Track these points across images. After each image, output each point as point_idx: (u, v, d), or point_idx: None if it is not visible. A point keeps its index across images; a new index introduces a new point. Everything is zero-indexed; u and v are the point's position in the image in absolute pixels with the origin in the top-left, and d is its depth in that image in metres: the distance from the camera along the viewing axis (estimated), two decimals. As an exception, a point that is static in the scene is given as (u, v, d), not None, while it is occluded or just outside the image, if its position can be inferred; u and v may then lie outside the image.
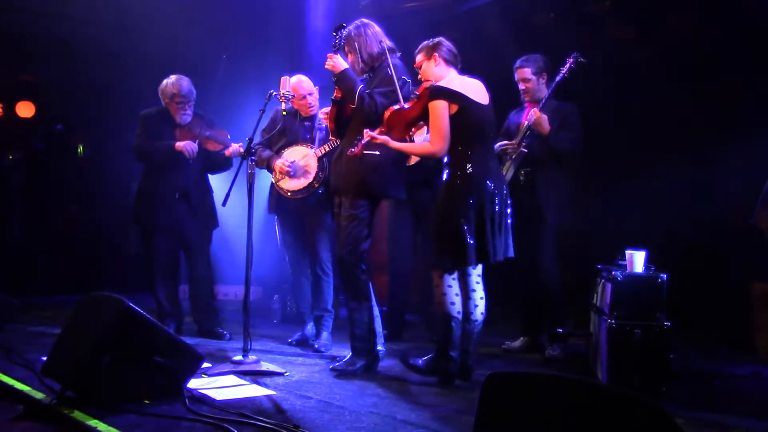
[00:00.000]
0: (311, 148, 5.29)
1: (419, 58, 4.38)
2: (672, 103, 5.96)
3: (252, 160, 4.77)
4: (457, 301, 4.27)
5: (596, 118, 5.68)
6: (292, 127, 5.41)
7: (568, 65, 4.92)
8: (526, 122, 4.96)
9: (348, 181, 4.48)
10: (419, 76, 4.43)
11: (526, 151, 4.96)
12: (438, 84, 4.20)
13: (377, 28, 4.55)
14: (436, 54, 4.30)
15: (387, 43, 4.53)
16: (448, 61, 4.31)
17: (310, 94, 5.32)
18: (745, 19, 5.59)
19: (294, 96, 5.17)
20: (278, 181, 5.32)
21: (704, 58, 5.80)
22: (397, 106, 4.30)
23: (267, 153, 5.38)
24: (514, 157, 4.98)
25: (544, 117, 4.93)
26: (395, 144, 4.25)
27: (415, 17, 6.97)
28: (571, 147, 4.98)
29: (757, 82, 5.43)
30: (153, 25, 7.33)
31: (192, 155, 5.39)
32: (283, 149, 5.36)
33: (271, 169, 5.35)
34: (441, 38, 4.38)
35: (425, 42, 4.39)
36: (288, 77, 5.01)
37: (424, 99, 4.21)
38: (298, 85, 5.30)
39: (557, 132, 4.97)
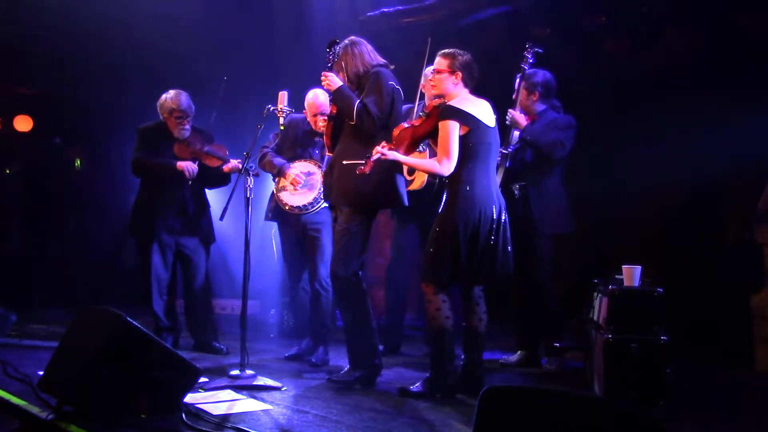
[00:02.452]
0: (319, 167, 5.26)
1: (441, 63, 4.27)
2: (668, 117, 5.99)
3: (251, 170, 4.76)
4: (452, 315, 4.27)
5: (592, 131, 5.71)
6: (303, 141, 5.40)
7: (529, 59, 4.97)
8: (507, 123, 5.01)
9: (339, 193, 4.47)
10: (430, 79, 4.40)
11: (506, 151, 4.97)
12: (450, 104, 4.17)
13: (366, 47, 4.53)
14: (460, 74, 4.24)
15: (377, 58, 4.53)
16: (466, 84, 4.28)
17: (325, 112, 5.24)
18: (741, 32, 5.63)
19: (292, 110, 5.17)
20: (279, 191, 5.31)
21: (700, 72, 5.83)
22: (407, 124, 4.31)
23: (279, 160, 5.33)
24: (499, 161, 4.99)
25: (519, 114, 5.00)
26: (404, 159, 4.24)
27: (413, 32, 7.00)
28: (547, 141, 4.97)
29: (752, 95, 5.45)
30: (152, 39, 7.35)
31: (192, 176, 5.40)
32: (292, 161, 5.35)
33: (280, 176, 5.30)
34: (468, 56, 4.29)
35: (456, 51, 4.28)
36: (285, 92, 5.02)
37: (434, 117, 4.21)
38: (314, 100, 5.26)
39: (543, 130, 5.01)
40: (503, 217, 4.28)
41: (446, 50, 4.33)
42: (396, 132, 4.30)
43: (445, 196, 4.28)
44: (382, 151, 4.17)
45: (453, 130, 4.11)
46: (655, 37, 6.17)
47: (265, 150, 5.38)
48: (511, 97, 5.13)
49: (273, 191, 5.41)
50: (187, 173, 5.38)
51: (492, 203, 4.21)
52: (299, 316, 5.60)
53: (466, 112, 4.14)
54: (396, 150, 4.23)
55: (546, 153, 4.99)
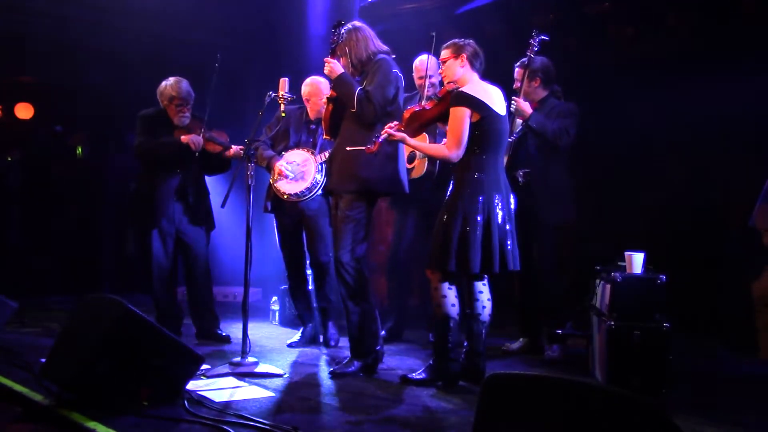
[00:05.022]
0: (313, 153, 5.27)
1: (445, 53, 4.30)
2: (671, 104, 5.96)
3: (252, 156, 4.75)
4: (457, 303, 4.26)
5: (595, 118, 5.69)
6: (297, 129, 5.39)
7: (534, 48, 4.95)
8: (512, 111, 4.99)
9: (341, 179, 4.46)
10: (440, 71, 4.41)
11: (510, 139, 4.95)
12: (463, 90, 4.15)
13: (368, 32, 4.52)
14: (465, 55, 4.25)
15: (379, 45, 4.51)
16: (473, 66, 4.27)
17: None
18: (745, 19, 5.59)
19: (293, 97, 5.15)
20: (276, 182, 5.31)
21: (703, 58, 5.79)
22: (417, 107, 4.30)
23: (269, 153, 5.35)
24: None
25: (524, 103, 4.98)
26: (412, 142, 4.24)
27: (413, 19, 6.97)
28: (552, 130, 4.96)
29: (756, 82, 5.43)
30: (153, 26, 7.32)
31: (198, 147, 5.35)
32: (285, 151, 5.35)
33: (270, 169, 5.33)
34: (471, 41, 4.32)
35: (456, 39, 4.32)
36: (287, 79, 4.99)
37: (446, 102, 4.20)
38: (314, 86, 5.26)
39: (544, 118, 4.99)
40: (512, 208, 4.26)
41: (446, 43, 4.35)
42: (406, 115, 4.29)
43: (452, 182, 4.25)
44: (390, 131, 4.16)
45: (464, 117, 4.10)
46: (658, 23, 6.12)
47: (257, 143, 5.37)
48: (511, 86, 5.11)
49: (270, 182, 5.41)
50: (193, 145, 5.32)
51: (500, 192, 4.19)
52: (299, 303, 5.60)
53: (478, 100, 4.12)
54: (404, 131, 4.23)
55: (552, 141, 4.97)
